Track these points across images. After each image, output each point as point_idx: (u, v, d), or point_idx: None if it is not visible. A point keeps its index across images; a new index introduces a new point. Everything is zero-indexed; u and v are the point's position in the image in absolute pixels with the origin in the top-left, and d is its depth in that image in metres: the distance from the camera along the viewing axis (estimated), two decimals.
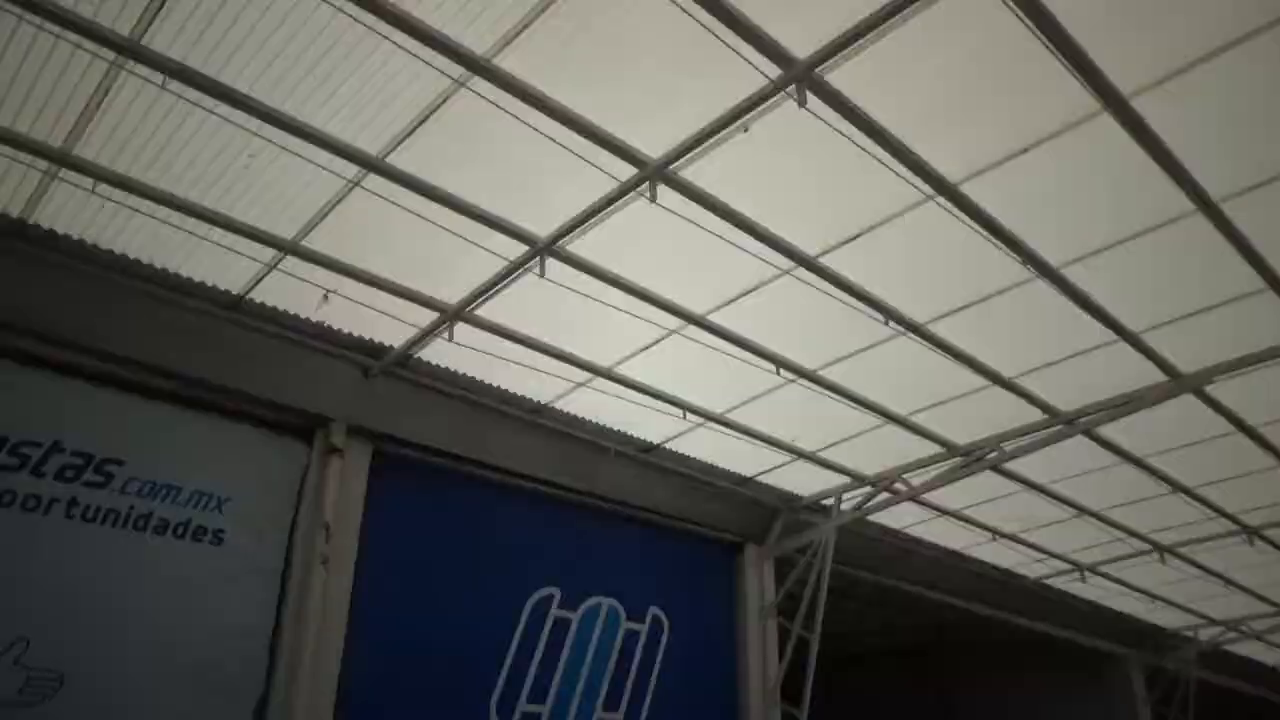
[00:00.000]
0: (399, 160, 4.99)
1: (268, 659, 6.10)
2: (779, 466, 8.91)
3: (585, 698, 7.89)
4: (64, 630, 5.37)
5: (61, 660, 5.31)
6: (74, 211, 5.25)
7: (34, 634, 5.26)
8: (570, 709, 7.74)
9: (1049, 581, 12.40)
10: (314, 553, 6.36)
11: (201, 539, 6.06)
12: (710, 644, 9.21)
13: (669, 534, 9.09)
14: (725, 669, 9.24)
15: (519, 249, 5.67)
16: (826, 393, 7.36)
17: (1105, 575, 12.02)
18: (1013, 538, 10.78)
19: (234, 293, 6.07)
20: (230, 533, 6.18)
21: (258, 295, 6.12)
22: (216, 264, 5.77)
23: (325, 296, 6.02)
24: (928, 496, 9.22)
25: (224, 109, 4.58)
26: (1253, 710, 18.68)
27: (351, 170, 5.02)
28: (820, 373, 7.15)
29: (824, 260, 5.85)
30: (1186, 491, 9.28)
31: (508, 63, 4.40)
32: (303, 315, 6.35)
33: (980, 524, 10.36)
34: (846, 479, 9.12)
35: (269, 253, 5.66)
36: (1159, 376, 7.08)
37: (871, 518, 9.65)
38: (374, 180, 5.09)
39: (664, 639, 8.71)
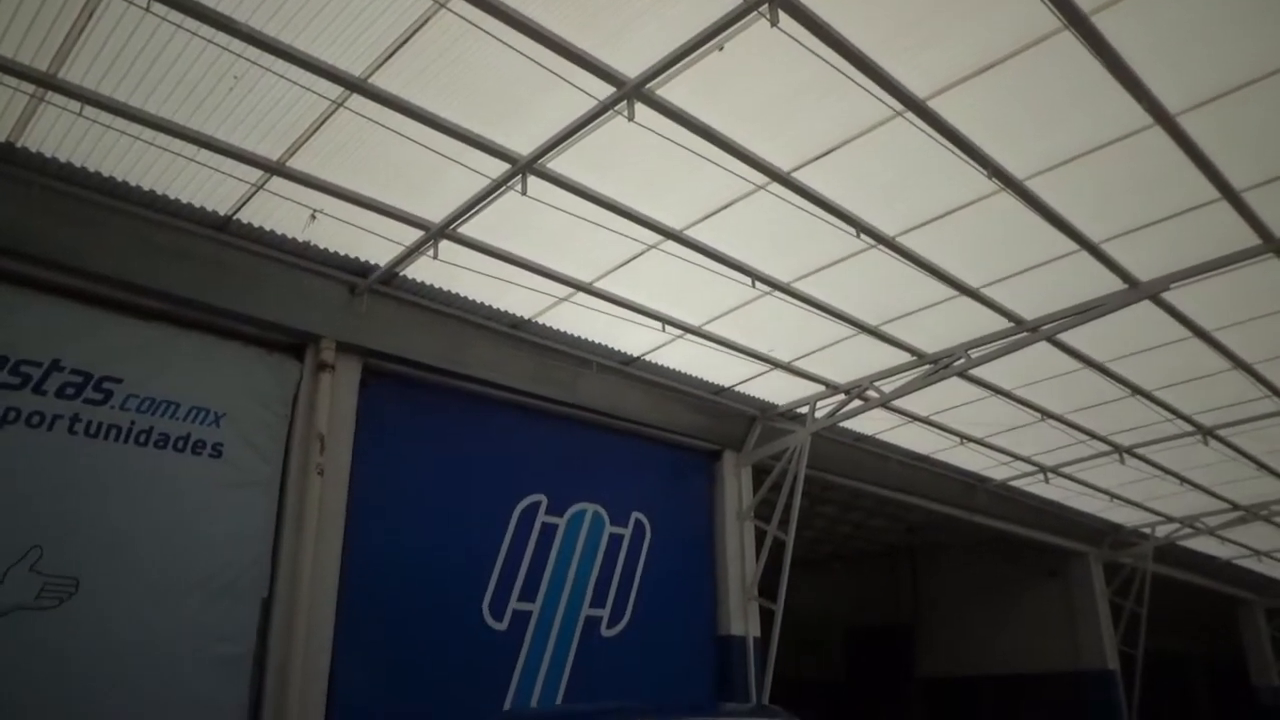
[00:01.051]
0: (381, 81, 5.08)
1: (270, 563, 6.42)
2: (755, 376, 9.21)
3: (573, 596, 8.33)
4: (76, 539, 5.64)
5: (75, 566, 5.60)
6: (61, 134, 5.33)
7: (47, 543, 5.52)
8: (559, 606, 8.18)
9: (1014, 483, 12.95)
10: (309, 463, 6.63)
11: (201, 452, 6.30)
12: (691, 546, 9.66)
13: (650, 442, 9.43)
14: (705, 568, 9.70)
15: (501, 167, 5.80)
16: (800, 304, 7.60)
17: (1067, 476, 12.55)
18: (980, 442, 11.23)
19: (221, 213, 6.19)
20: (229, 446, 6.42)
21: (245, 216, 6.24)
22: (204, 185, 5.88)
23: (312, 216, 6.14)
24: (898, 403, 9.57)
25: (207, 30, 4.63)
26: (1205, 598, 19.67)
27: (335, 91, 5.10)
28: (794, 285, 7.38)
29: (797, 175, 6.01)
30: (1145, 395, 9.67)
31: None
32: (290, 235, 6.48)
33: (949, 429, 10.79)
34: (820, 387, 9.45)
35: (255, 173, 5.77)
36: (1118, 284, 7.35)
37: (845, 424, 10.02)
38: (357, 101, 5.18)
39: (646, 541, 9.14)
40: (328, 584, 6.57)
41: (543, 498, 8.32)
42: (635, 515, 9.13)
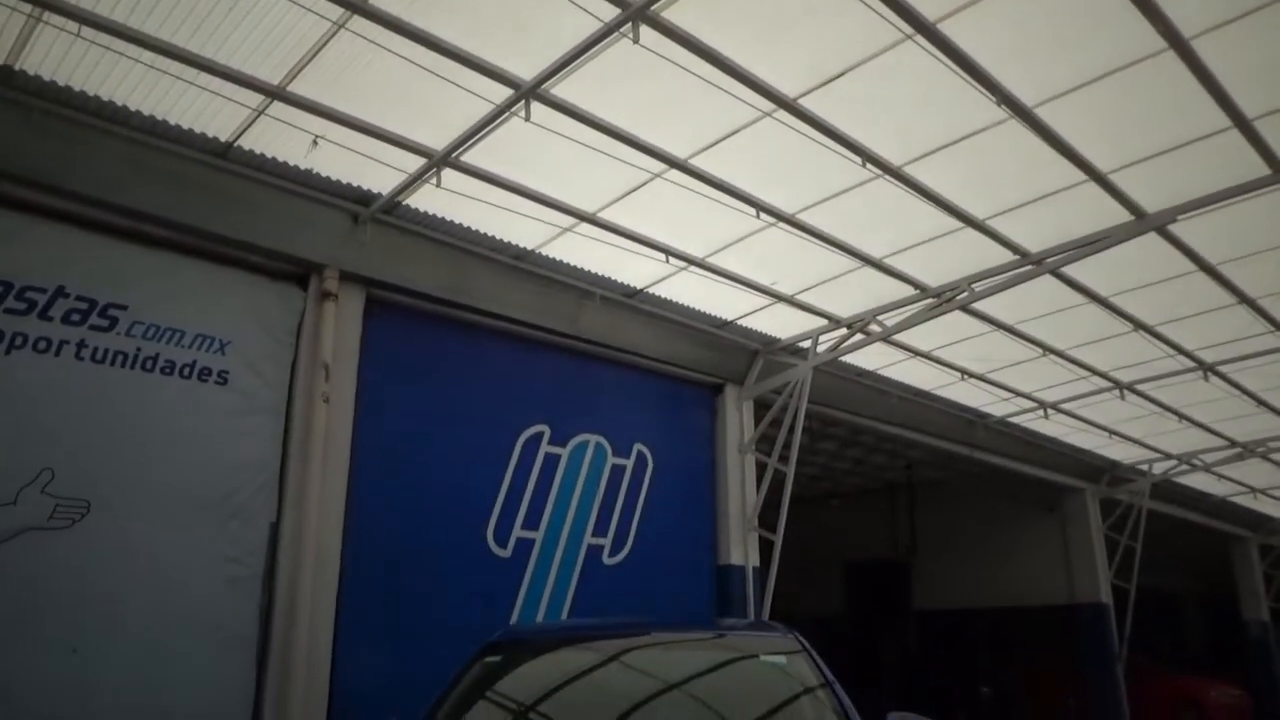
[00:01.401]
0: (382, 1, 4.99)
1: (278, 488, 6.51)
2: (758, 310, 9.21)
3: (575, 524, 8.45)
4: (87, 462, 5.71)
5: (86, 489, 5.67)
6: (59, 56, 5.25)
7: (58, 466, 5.59)
8: (562, 534, 8.31)
9: (1013, 419, 13.02)
10: (315, 391, 6.68)
11: (207, 379, 6.35)
12: (692, 477, 9.76)
13: (652, 375, 9.48)
14: (706, 500, 9.82)
15: (504, 93, 5.73)
16: (805, 236, 7.56)
17: (1067, 412, 12.60)
18: (980, 377, 11.25)
19: (223, 140, 6.13)
20: (234, 373, 6.46)
21: (246, 142, 6.18)
22: (204, 110, 5.82)
23: (314, 142, 6.09)
24: (900, 338, 9.58)
25: None
26: (1200, 534, 19.91)
27: (336, 12, 5.01)
28: (799, 216, 7.33)
29: (803, 103, 5.93)
30: (1148, 330, 9.65)
31: None
32: (291, 162, 6.43)
33: (950, 364, 10.81)
34: (823, 321, 9.44)
35: (256, 98, 5.71)
36: (1125, 216, 7.30)
37: (846, 359, 10.05)
38: (359, 22, 5.09)
39: (648, 473, 9.24)
40: (334, 509, 6.67)
41: (545, 428, 8.39)
42: (637, 447, 9.21)
